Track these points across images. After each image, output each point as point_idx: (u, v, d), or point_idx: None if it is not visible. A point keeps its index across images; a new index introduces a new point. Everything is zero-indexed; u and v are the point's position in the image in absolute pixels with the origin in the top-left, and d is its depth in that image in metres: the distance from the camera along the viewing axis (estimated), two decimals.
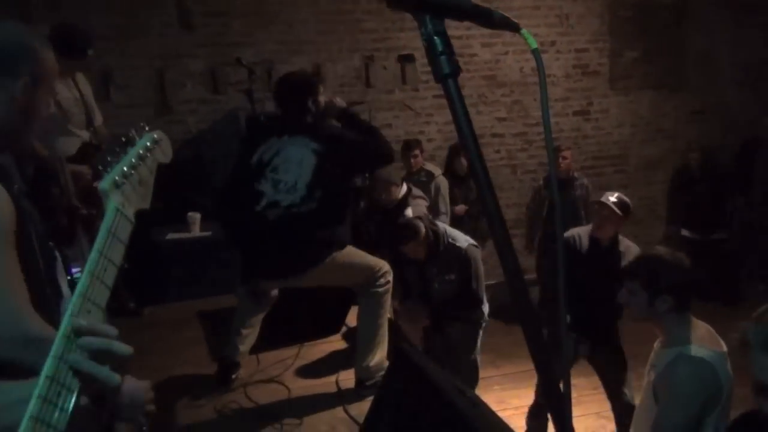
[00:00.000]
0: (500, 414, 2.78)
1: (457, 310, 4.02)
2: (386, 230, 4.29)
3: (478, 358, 4.17)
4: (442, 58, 0.85)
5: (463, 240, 3.98)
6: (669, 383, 2.23)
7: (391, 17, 6.39)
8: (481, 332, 4.12)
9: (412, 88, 6.60)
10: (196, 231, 4.75)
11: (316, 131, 3.15)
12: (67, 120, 3.71)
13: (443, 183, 5.36)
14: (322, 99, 3.22)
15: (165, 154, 1.25)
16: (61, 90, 3.63)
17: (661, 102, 7.43)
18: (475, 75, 6.69)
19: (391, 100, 6.55)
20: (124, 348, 0.93)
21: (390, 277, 3.33)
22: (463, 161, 5.67)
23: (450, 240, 3.92)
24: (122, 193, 1.08)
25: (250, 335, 3.42)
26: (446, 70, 0.85)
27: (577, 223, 5.83)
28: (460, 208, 5.61)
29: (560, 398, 0.86)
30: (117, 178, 1.08)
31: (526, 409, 4.10)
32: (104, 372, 0.90)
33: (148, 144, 1.19)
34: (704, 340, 2.29)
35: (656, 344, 2.46)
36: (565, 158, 5.92)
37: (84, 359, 0.89)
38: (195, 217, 4.75)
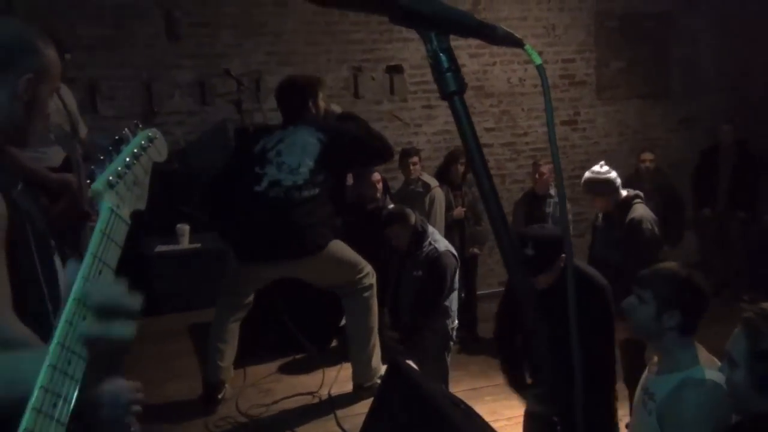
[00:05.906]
0: (493, 425, 2.77)
1: (421, 315, 4.03)
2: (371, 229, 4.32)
3: (447, 367, 4.20)
4: (448, 75, 0.84)
5: (443, 245, 4.04)
6: (679, 411, 2.04)
7: (379, 28, 6.41)
8: (450, 344, 4.17)
9: (401, 99, 6.61)
10: (186, 243, 4.72)
11: (320, 123, 3.22)
12: (49, 130, 3.65)
13: (439, 195, 5.37)
14: (322, 104, 3.28)
15: (160, 153, 1.20)
16: None
17: (647, 111, 7.49)
18: None
19: (380, 111, 6.55)
20: (133, 302, 0.92)
21: (373, 279, 3.31)
22: (459, 168, 5.66)
23: (432, 241, 4.02)
24: (116, 194, 1.04)
25: (228, 349, 3.31)
26: (453, 87, 0.85)
27: None
28: (459, 211, 5.64)
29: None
30: (111, 177, 1.04)
31: (519, 420, 4.08)
32: (114, 330, 0.89)
33: (143, 142, 1.15)
34: (709, 362, 2.13)
35: (650, 369, 2.30)
36: (542, 174, 5.62)
37: (92, 324, 0.89)
38: (184, 228, 4.71)
